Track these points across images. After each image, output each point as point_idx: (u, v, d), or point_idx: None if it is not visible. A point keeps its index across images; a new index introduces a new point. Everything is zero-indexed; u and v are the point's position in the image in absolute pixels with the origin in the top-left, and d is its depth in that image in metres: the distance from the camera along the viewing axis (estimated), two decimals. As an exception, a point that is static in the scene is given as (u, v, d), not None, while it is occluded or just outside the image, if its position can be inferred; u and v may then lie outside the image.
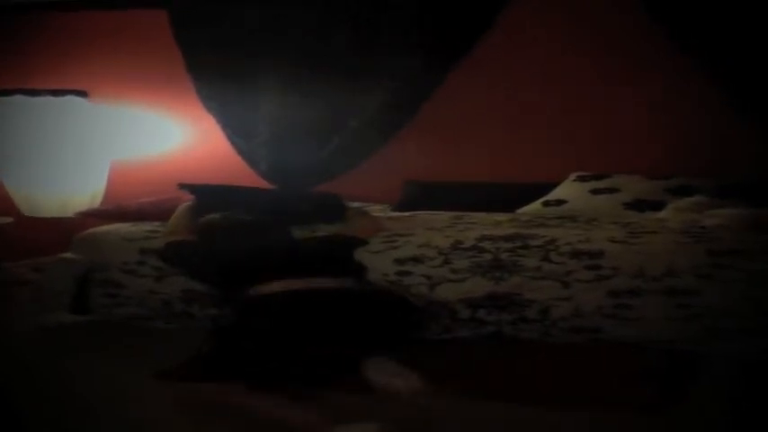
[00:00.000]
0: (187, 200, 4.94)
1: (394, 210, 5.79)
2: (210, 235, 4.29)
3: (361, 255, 4.36)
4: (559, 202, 5.43)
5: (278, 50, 6.04)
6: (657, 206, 5.13)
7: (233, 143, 6.33)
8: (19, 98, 6.56)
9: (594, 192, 5.46)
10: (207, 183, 5.42)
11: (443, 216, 5.19)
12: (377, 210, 5.69)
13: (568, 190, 5.56)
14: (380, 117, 5.94)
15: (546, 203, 5.46)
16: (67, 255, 5.03)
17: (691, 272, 4.01)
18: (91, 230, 5.12)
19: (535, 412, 3.33)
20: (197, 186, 5.21)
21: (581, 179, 5.63)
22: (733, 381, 3.71)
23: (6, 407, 3.52)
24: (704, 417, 3.30)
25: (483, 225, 4.74)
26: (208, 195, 5.08)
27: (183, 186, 5.23)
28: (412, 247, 4.41)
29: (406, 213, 5.48)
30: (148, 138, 6.89)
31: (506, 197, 5.56)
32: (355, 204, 5.57)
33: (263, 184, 6.16)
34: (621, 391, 3.49)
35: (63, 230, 6.18)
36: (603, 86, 5.94)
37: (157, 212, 5.28)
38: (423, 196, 5.93)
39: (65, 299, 4.90)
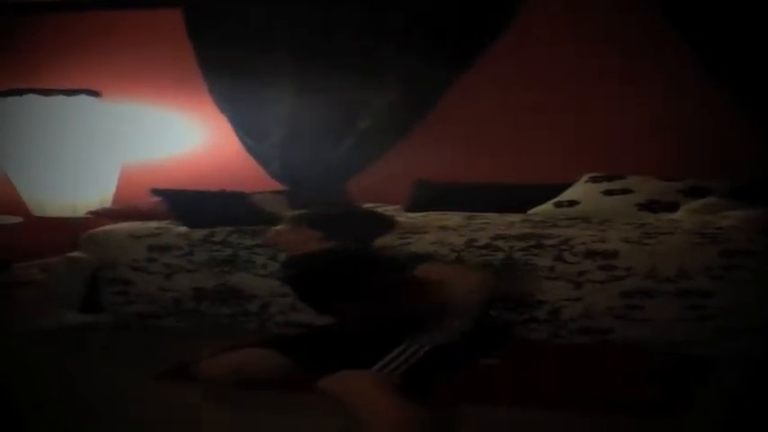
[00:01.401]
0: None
1: (405, 211, 5.77)
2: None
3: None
4: (572, 203, 5.40)
5: (291, 50, 6.03)
6: (671, 207, 5.10)
7: (244, 143, 6.32)
8: (31, 97, 6.53)
9: (607, 193, 5.42)
10: (185, 189, 5.48)
11: (456, 216, 5.18)
12: (389, 211, 5.68)
13: (581, 191, 5.53)
14: (392, 117, 5.92)
15: (558, 204, 5.43)
16: (75, 254, 5.03)
17: (704, 273, 3.98)
18: (98, 229, 5.12)
19: (539, 414, 3.29)
20: (170, 192, 5.24)
21: (593, 180, 5.59)
22: (741, 382, 3.67)
23: (12, 406, 3.50)
24: (711, 419, 3.26)
25: (496, 225, 4.74)
26: (185, 203, 5.13)
27: (156, 192, 5.27)
28: (424, 244, 4.39)
29: (419, 214, 5.47)
30: (160, 138, 6.87)
31: (517, 198, 5.54)
32: (368, 205, 5.59)
33: (273, 184, 6.14)
34: (626, 393, 3.45)
35: (72, 230, 6.18)
36: (615, 87, 5.92)
37: (168, 211, 5.29)
38: (434, 197, 5.90)
39: (74, 298, 4.90)
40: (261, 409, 3.43)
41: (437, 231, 4.59)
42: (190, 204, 5.22)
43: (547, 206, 5.43)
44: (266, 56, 6.08)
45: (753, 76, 5.30)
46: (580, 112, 6.01)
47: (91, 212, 5.86)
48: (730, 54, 5.27)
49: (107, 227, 5.15)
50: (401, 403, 3.15)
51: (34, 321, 4.97)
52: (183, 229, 4.93)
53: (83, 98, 6.60)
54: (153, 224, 5.08)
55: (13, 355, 4.40)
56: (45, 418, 3.38)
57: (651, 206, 5.22)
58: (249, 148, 6.35)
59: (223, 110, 6.34)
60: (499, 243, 4.29)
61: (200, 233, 4.81)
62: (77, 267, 4.93)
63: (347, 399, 3.23)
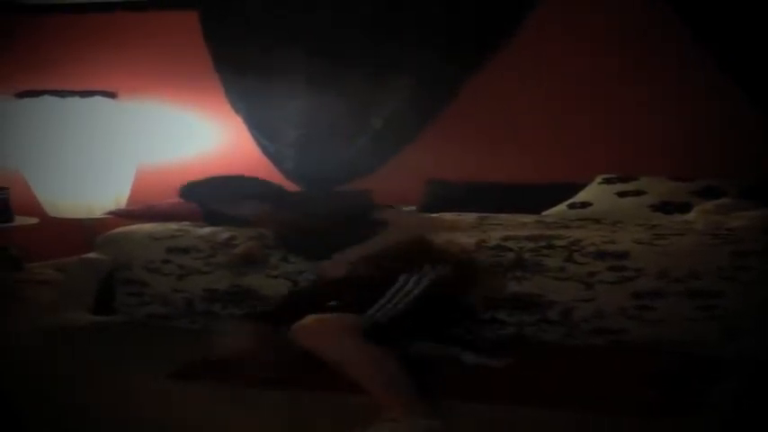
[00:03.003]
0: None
1: (418, 211, 5.77)
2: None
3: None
4: (584, 205, 5.39)
5: (306, 51, 6.05)
6: (683, 208, 5.09)
7: (259, 144, 6.34)
8: (47, 99, 6.56)
9: (620, 194, 5.41)
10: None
11: (468, 217, 5.18)
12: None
13: (594, 192, 5.52)
14: (406, 116, 5.93)
15: (571, 206, 5.42)
16: (91, 255, 5.04)
17: (715, 273, 3.98)
18: (117, 229, 5.12)
19: (545, 414, 3.30)
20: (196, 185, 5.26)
21: (607, 181, 5.58)
22: (751, 382, 3.66)
23: (20, 406, 3.52)
24: (720, 419, 3.26)
25: (508, 226, 4.73)
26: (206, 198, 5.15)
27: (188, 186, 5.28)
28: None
29: (432, 215, 5.46)
30: (175, 139, 6.89)
31: (531, 199, 5.53)
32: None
33: (287, 184, 6.16)
34: (635, 394, 3.46)
35: (87, 231, 6.20)
36: (628, 87, 5.91)
37: (187, 213, 5.29)
38: (446, 197, 5.90)
39: (87, 299, 4.91)
40: (263, 408, 3.46)
41: (448, 233, 4.58)
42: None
43: (560, 207, 5.43)
44: (282, 57, 6.10)
45: (765, 74, 5.30)
46: (593, 112, 6.00)
47: (109, 213, 5.88)
48: (742, 52, 5.27)
49: (126, 228, 5.15)
50: (367, 344, 3.28)
51: (47, 321, 5.00)
52: (203, 231, 4.94)
53: (99, 99, 6.63)
54: (173, 226, 5.08)
55: (23, 354, 4.43)
56: (53, 418, 3.39)
57: (664, 207, 5.21)
58: (263, 148, 6.37)
59: (237, 110, 6.36)
60: (509, 244, 4.29)
61: (221, 237, 4.81)
62: (92, 268, 4.94)
63: (314, 342, 3.34)
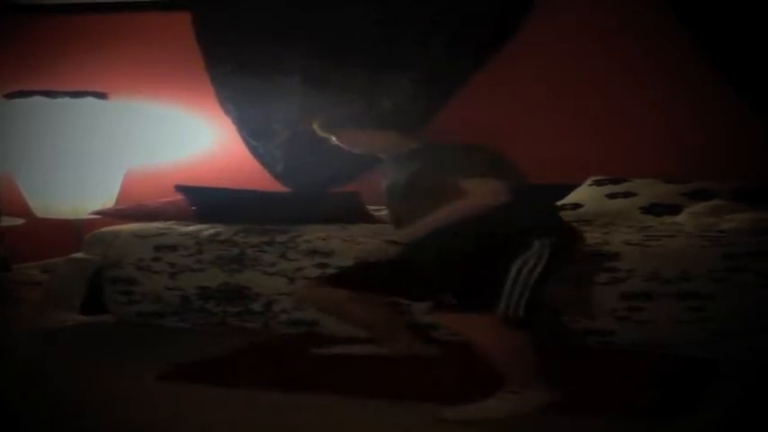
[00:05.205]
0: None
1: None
2: None
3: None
4: (575, 206, 5.40)
5: (297, 53, 6.05)
6: (674, 210, 5.09)
7: (249, 145, 6.33)
8: (37, 99, 6.53)
9: (611, 196, 5.42)
10: (205, 186, 5.47)
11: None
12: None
13: (585, 194, 5.53)
14: (399, 117, 5.93)
15: (561, 207, 5.42)
16: (78, 255, 5.04)
17: (706, 275, 3.98)
18: (103, 229, 5.12)
19: (539, 417, 3.30)
20: (193, 189, 5.25)
21: (597, 183, 5.59)
22: (742, 384, 3.68)
23: (11, 407, 3.51)
24: (711, 422, 3.26)
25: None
26: (205, 199, 5.13)
27: (179, 189, 5.28)
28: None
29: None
30: (165, 141, 6.88)
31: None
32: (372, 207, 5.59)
33: (277, 186, 6.16)
34: (625, 396, 3.47)
35: (75, 231, 6.18)
36: (623, 89, 5.93)
37: (176, 212, 5.29)
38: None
39: (75, 299, 4.90)
40: (261, 408, 3.46)
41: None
42: (215, 201, 5.24)
43: (550, 209, 5.43)
44: (272, 58, 6.10)
45: (760, 76, 5.32)
46: (586, 114, 6.01)
47: (97, 212, 5.87)
48: (739, 55, 5.29)
49: (113, 227, 5.15)
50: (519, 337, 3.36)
51: (34, 322, 4.99)
52: (188, 228, 4.94)
53: (89, 100, 6.59)
54: (158, 224, 5.09)
55: (12, 355, 4.42)
56: (43, 418, 3.38)
57: (654, 209, 5.21)
58: (253, 150, 6.37)
59: (227, 111, 6.36)
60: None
61: (206, 233, 4.83)
62: (80, 268, 4.93)
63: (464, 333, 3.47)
